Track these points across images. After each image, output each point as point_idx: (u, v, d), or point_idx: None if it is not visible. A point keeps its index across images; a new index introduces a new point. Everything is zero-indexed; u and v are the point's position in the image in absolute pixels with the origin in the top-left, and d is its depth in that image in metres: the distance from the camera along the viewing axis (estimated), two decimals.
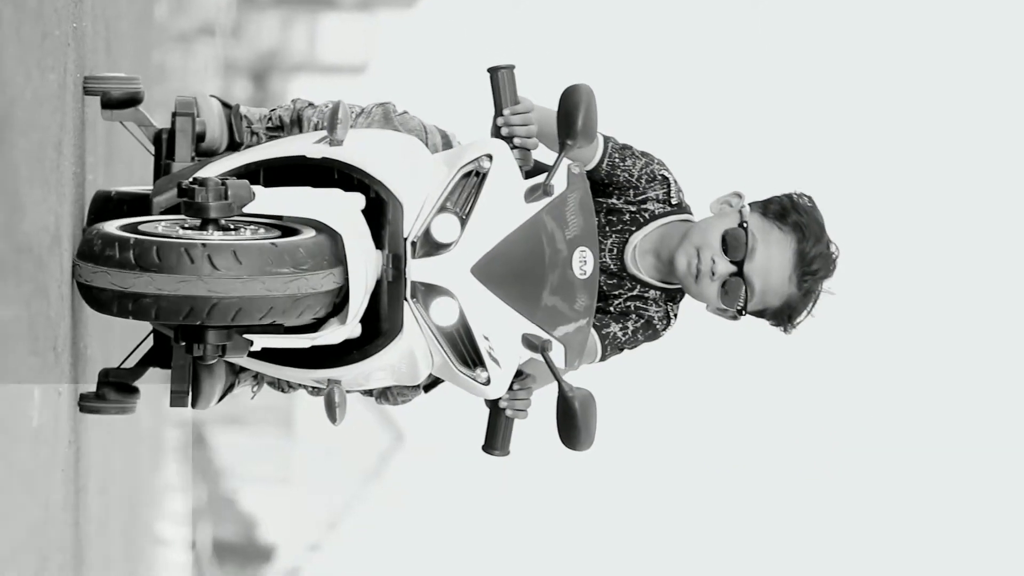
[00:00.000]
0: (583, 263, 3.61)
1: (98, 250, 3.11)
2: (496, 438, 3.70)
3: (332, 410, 3.57)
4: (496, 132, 3.69)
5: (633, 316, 4.03)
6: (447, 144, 4.00)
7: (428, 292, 3.49)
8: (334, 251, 3.30)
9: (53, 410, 3.36)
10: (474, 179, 3.54)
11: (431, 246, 3.50)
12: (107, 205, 3.97)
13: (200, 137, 3.84)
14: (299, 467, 37.39)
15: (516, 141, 3.66)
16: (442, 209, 3.51)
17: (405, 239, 3.48)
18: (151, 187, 3.85)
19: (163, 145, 3.80)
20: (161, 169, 3.75)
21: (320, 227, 3.32)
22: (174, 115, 3.79)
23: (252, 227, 3.31)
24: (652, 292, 4.04)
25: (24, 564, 2.72)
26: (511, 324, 3.56)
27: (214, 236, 3.20)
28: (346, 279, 3.31)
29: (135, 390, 3.59)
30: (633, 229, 4.02)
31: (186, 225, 3.27)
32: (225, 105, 3.98)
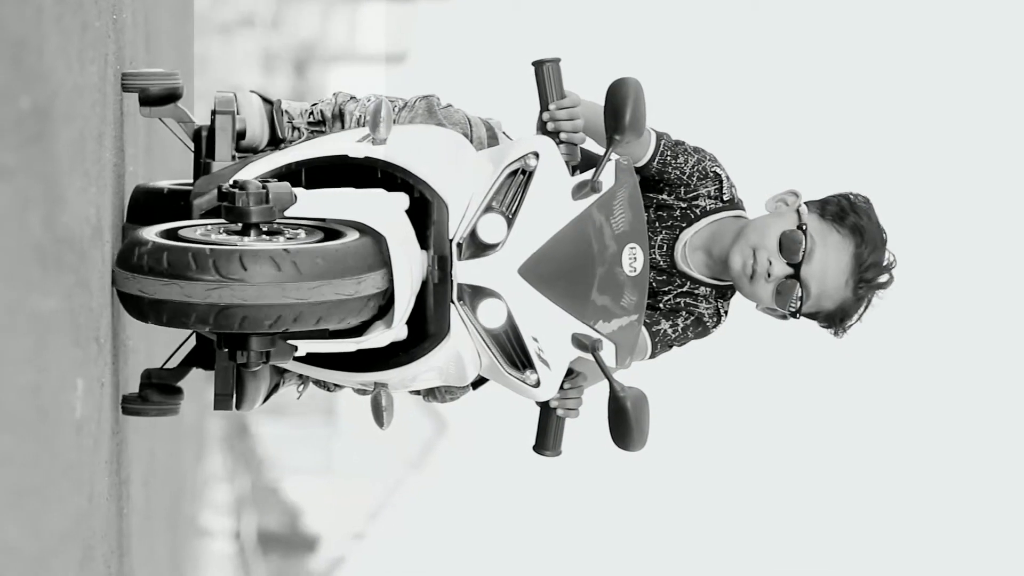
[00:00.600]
0: (633, 260, 3.54)
1: (135, 258, 3.09)
2: (547, 438, 3.67)
3: (379, 414, 3.55)
4: (542, 127, 3.63)
5: (683, 313, 3.97)
6: (492, 136, 3.94)
7: (475, 294, 3.42)
8: (378, 254, 3.23)
9: (96, 401, 3.37)
10: (520, 177, 3.47)
11: (477, 247, 3.43)
12: (147, 200, 3.96)
13: (240, 135, 3.80)
14: (342, 457, 37.46)
15: (562, 136, 3.59)
16: (488, 209, 3.43)
17: (451, 240, 3.41)
18: (190, 181, 3.82)
19: (203, 143, 3.76)
20: (201, 168, 3.71)
21: (363, 229, 3.26)
22: (214, 113, 3.74)
23: (294, 230, 3.26)
24: (702, 289, 3.98)
25: (70, 553, 2.74)
26: (560, 324, 3.49)
27: (253, 241, 3.15)
28: (390, 282, 3.24)
29: (179, 391, 3.56)
30: (684, 225, 3.95)
31: (226, 230, 3.23)
32: (266, 101, 3.93)
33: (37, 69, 2.53)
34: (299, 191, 3.23)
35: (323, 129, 3.91)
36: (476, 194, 3.44)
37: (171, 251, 3.06)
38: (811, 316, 3.94)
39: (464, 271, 3.40)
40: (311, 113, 3.93)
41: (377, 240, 3.22)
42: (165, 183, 4.05)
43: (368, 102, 3.88)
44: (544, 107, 3.62)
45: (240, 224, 3.17)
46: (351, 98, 3.96)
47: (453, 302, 3.41)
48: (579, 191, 3.48)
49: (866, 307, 3.94)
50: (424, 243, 3.40)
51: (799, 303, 3.84)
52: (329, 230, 3.28)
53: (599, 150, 3.69)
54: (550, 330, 3.47)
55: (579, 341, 3.49)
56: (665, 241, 3.95)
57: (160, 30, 7.20)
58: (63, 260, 2.82)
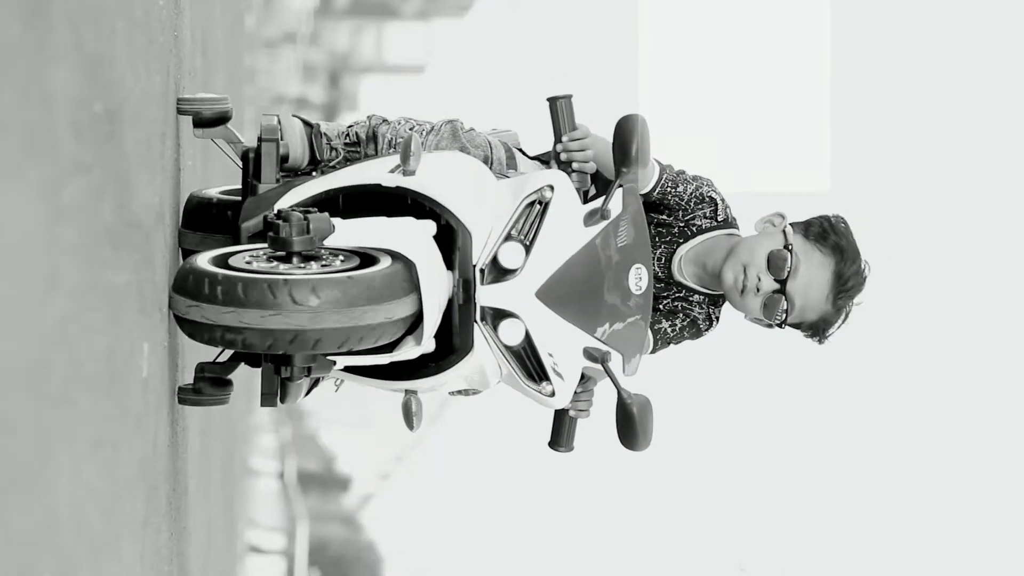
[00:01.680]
0: (639, 279, 3.46)
1: (190, 285, 3.04)
2: (561, 436, 3.60)
3: (409, 418, 3.51)
4: (556, 157, 3.54)
5: (680, 315, 3.90)
6: (511, 158, 3.82)
7: (496, 314, 3.35)
8: (409, 278, 3.15)
9: (160, 362, 3.38)
10: (537, 207, 3.38)
11: (498, 272, 3.34)
12: (199, 208, 3.90)
13: (284, 159, 3.72)
14: (372, 410, 37.44)
15: (575, 165, 3.52)
16: (508, 238, 3.35)
17: (474, 266, 3.33)
18: (237, 189, 3.80)
19: (250, 164, 3.66)
20: (248, 188, 3.63)
21: (395, 256, 3.17)
22: (259, 140, 3.65)
23: (332, 257, 3.19)
24: (696, 296, 3.90)
25: (136, 493, 2.76)
26: (573, 339, 3.41)
27: (296, 271, 3.08)
28: (420, 304, 3.16)
29: (229, 383, 3.49)
30: (680, 241, 3.87)
31: (269, 256, 3.17)
32: (306, 124, 3.83)
33: (110, 79, 2.54)
34: (337, 221, 3.16)
35: (358, 150, 3.82)
36: (497, 223, 3.37)
37: (227, 280, 3.01)
38: (795, 326, 3.87)
39: (486, 295, 3.33)
40: (347, 135, 3.84)
41: (408, 266, 3.15)
42: (214, 192, 4.00)
43: (399, 125, 3.81)
44: (558, 139, 3.55)
45: (283, 252, 3.12)
46: (383, 121, 3.85)
47: (476, 322, 3.34)
48: (590, 218, 3.40)
49: (845, 318, 3.86)
50: (450, 265, 3.32)
51: (784, 315, 3.78)
52: (365, 255, 3.21)
53: (606, 174, 3.63)
54: (564, 345, 3.40)
55: (590, 354, 3.42)
56: (663, 255, 3.87)
57: (214, 45, 7.20)
58: (131, 241, 2.83)
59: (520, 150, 3.91)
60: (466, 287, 3.32)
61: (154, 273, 3.23)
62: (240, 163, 3.69)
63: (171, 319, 3.37)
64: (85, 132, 2.28)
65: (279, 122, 3.71)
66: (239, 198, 3.73)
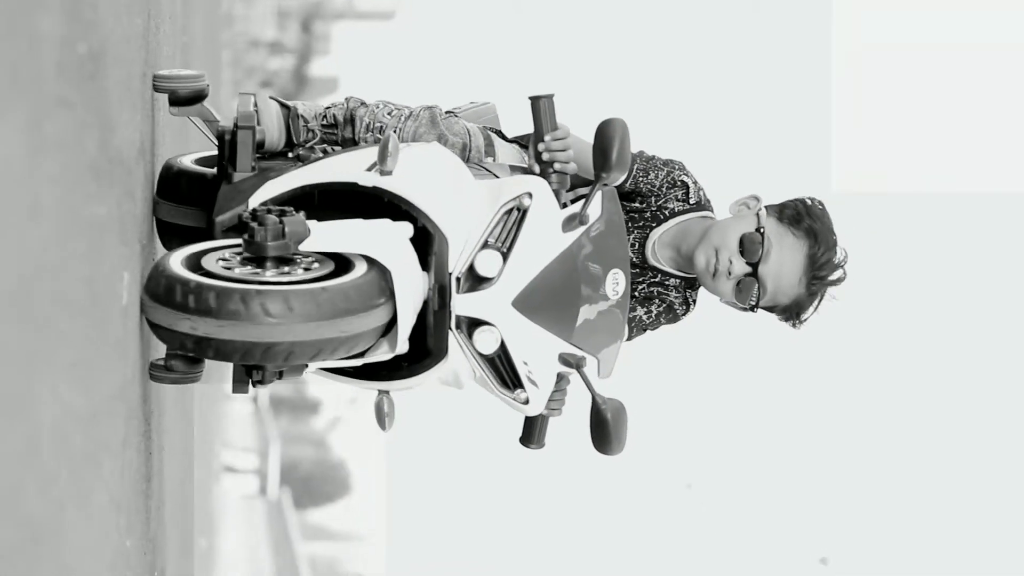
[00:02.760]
0: (615, 284, 3.28)
1: (162, 291, 2.82)
2: (533, 433, 3.39)
3: (381, 418, 3.33)
4: (537, 156, 3.32)
5: (656, 301, 3.71)
6: (489, 145, 3.60)
7: (472, 322, 3.15)
8: (383, 286, 2.95)
9: (139, 291, 3.37)
10: (516, 214, 3.18)
11: (475, 280, 3.14)
12: (175, 178, 3.74)
13: (260, 144, 3.51)
14: None
15: (556, 166, 3.30)
16: (485, 245, 3.15)
17: (450, 274, 3.13)
18: (214, 158, 3.65)
19: (226, 147, 3.46)
20: (223, 174, 3.43)
21: (371, 261, 2.98)
22: (235, 127, 3.41)
23: (308, 261, 2.97)
24: (672, 280, 3.71)
25: (116, 413, 2.76)
26: (549, 345, 3.22)
27: (269, 278, 2.87)
28: (395, 310, 2.98)
29: (200, 360, 3.23)
30: (653, 225, 3.68)
31: (244, 258, 2.95)
32: (283, 105, 3.62)
33: (93, 20, 2.52)
34: (312, 223, 2.95)
35: (335, 132, 3.60)
36: (474, 229, 3.17)
37: (199, 288, 2.80)
38: (769, 309, 3.68)
39: (462, 304, 3.14)
40: (324, 116, 3.62)
41: (383, 273, 2.96)
42: (189, 162, 3.82)
43: (377, 109, 3.59)
44: (539, 138, 3.33)
45: (258, 256, 2.93)
46: (361, 103, 3.62)
47: (451, 329, 3.14)
48: (568, 224, 3.21)
49: (819, 302, 3.67)
50: (426, 266, 3.13)
51: (757, 299, 3.59)
52: (340, 259, 3.01)
53: (585, 175, 3.50)
54: (540, 352, 3.21)
55: (565, 359, 3.24)
56: (637, 239, 3.69)
57: None
58: (114, 175, 2.82)
59: (499, 132, 3.75)
60: (441, 292, 3.14)
61: (135, 206, 3.22)
62: (216, 142, 3.54)
63: (149, 251, 3.35)
64: (69, 71, 2.27)
65: (255, 105, 3.53)
66: (214, 169, 3.61)
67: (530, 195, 3.18)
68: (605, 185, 3.23)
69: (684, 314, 3.75)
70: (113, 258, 2.85)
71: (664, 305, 3.70)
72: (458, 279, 3.12)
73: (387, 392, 3.30)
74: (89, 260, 2.49)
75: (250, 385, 3.12)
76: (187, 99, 3.53)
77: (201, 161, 3.82)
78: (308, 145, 3.57)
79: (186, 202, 3.66)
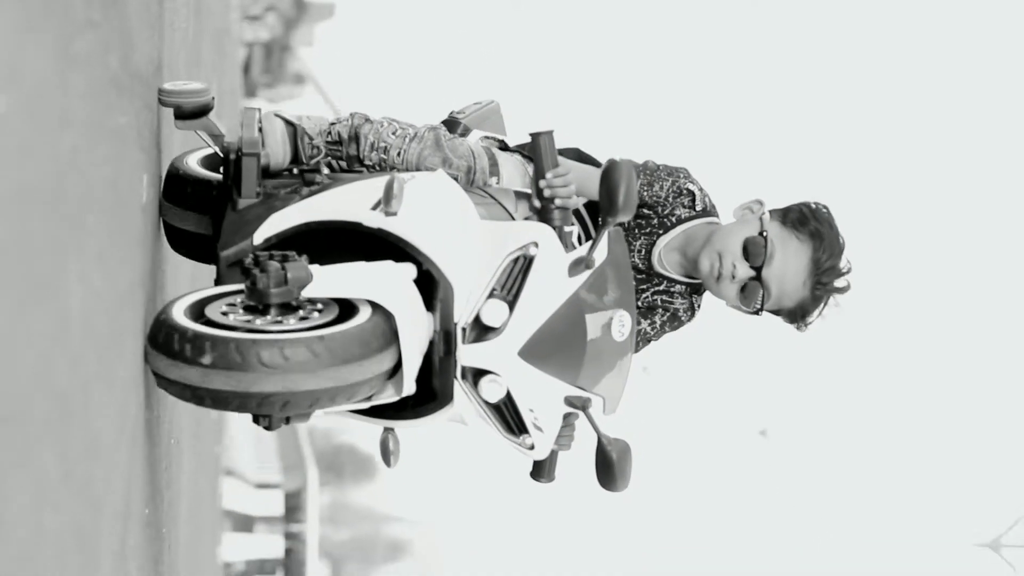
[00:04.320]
0: (621, 326, 3.02)
1: (161, 339, 2.57)
2: (543, 468, 3.11)
3: (387, 455, 3.07)
4: (539, 194, 3.04)
5: (660, 310, 3.45)
6: (493, 164, 3.28)
7: (477, 371, 2.88)
8: (387, 330, 2.69)
9: (156, 191, 3.40)
10: (522, 262, 2.90)
11: (481, 330, 2.87)
12: (180, 183, 3.49)
13: (265, 168, 3.22)
14: None
15: (558, 202, 3.03)
16: (491, 295, 2.87)
17: (456, 324, 2.86)
18: (217, 164, 3.43)
19: (230, 165, 3.21)
20: (228, 197, 3.18)
21: (375, 305, 2.71)
22: (239, 154, 3.16)
23: (312, 307, 2.72)
24: (678, 287, 3.45)
25: (137, 299, 2.78)
26: (555, 391, 2.95)
27: (270, 327, 2.62)
28: (399, 355, 2.72)
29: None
30: (660, 232, 3.42)
31: (245, 306, 2.69)
32: (288, 123, 3.31)
33: None
34: (314, 269, 2.69)
35: (340, 149, 3.29)
36: (479, 276, 2.90)
37: (197, 338, 2.55)
38: (774, 312, 3.42)
39: (468, 354, 2.86)
40: (329, 133, 3.31)
41: (387, 317, 2.70)
42: (195, 165, 3.57)
43: (381, 127, 3.29)
44: (541, 175, 3.05)
45: (260, 304, 2.67)
46: (366, 120, 3.31)
47: (456, 378, 2.87)
48: (575, 268, 2.94)
49: (824, 306, 3.39)
50: (430, 307, 2.85)
51: (761, 302, 3.35)
52: (345, 303, 2.75)
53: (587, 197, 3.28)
54: (545, 399, 2.95)
55: (571, 402, 2.97)
56: (644, 246, 3.43)
57: None
58: (134, 89, 2.83)
59: (502, 143, 3.47)
60: (447, 339, 2.86)
61: (152, 117, 3.23)
62: (221, 154, 3.31)
63: (164, 155, 3.36)
64: None
65: (260, 128, 3.25)
66: (219, 173, 3.40)
67: (536, 244, 2.91)
68: (607, 231, 2.97)
69: (689, 320, 3.50)
70: (133, 162, 2.88)
71: (668, 314, 3.47)
72: (463, 329, 2.86)
73: (392, 429, 3.05)
74: (112, 164, 2.52)
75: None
76: (192, 113, 3.27)
77: (206, 161, 3.60)
78: (314, 161, 3.30)
79: (192, 208, 3.46)
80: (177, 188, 3.47)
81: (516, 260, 2.89)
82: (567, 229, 3.03)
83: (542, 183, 3.03)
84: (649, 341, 3.46)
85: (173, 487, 4.26)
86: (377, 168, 3.23)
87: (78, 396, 2.06)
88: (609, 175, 2.88)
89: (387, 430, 3.03)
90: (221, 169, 3.33)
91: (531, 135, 3.13)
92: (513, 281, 2.88)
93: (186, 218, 3.45)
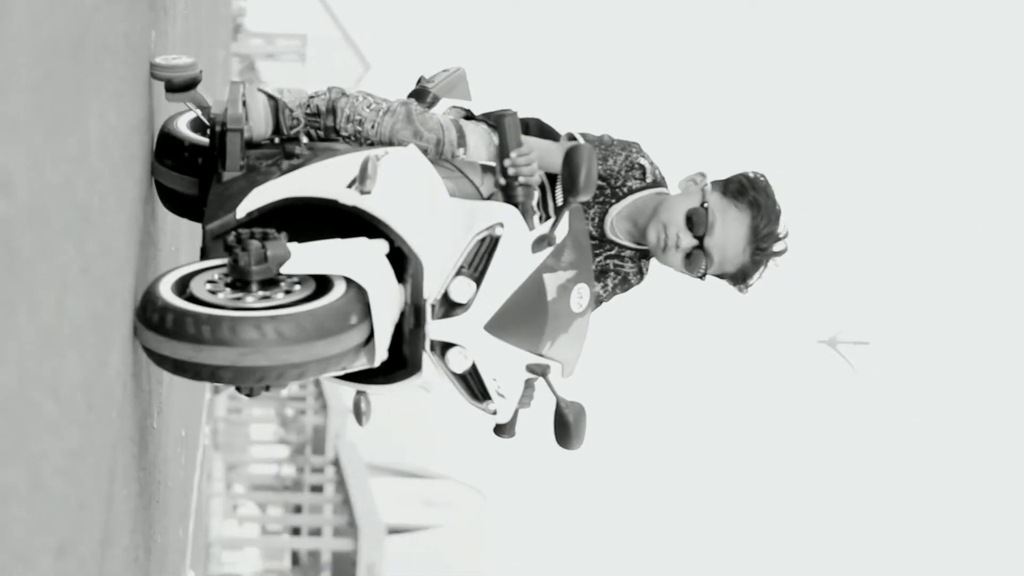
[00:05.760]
0: (580, 298, 2.97)
1: (150, 316, 2.49)
2: (505, 426, 3.06)
3: (359, 415, 3.04)
4: (503, 171, 3.02)
5: (611, 273, 3.39)
6: (461, 136, 3.19)
7: (445, 344, 2.83)
8: (361, 305, 2.63)
9: (160, 48, 3.47)
10: (488, 241, 2.86)
11: (449, 306, 2.81)
12: (171, 144, 3.39)
13: (248, 141, 3.14)
14: None
15: (521, 179, 3.00)
16: (459, 272, 2.82)
17: (425, 300, 2.80)
18: (205, 128, 3.33)
19: (216, 137, 3.11)
20: (213, 169, 3.09)
21: (349, 281, 2.65)
22: (224, 129, 3.08)
23: (290, 282, 2.64)
24: (627, 252, 3.39)
25: (145, 133, 2.92)
26: (517, 359, 2.91)
27: (249, 304, 2.55)
28: (372, 328, 2.66)
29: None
30: (613, 201, 3.34)
31: (227, 283, 2.61)
32: (270, 97, 3.20)
33: None
34: (293, 246, 2.62)
35: (319, 121, 3.19)
36: (449, 255, 2.84)
37: (183, 314, 2.48)
38: (718, 276, 3.35)
39: (436, 329, 2.81)
40: (308, 106, 3.20)
41: (361, 292, 2.64)
42: (185, 129, 3.45)
43: (357, 101, 3.19)
44: (505, 154, 3.03)
45: (242, 280, 2.60)
46: (343, 94, 3.21)
47: (425, 350, 2.82)
48: (538, 245, 2.90)
49: (764, 269, 3.32)
50: (402, 279, 2.80)
51: (705, 269, 3.28)
52: (320, 279, 2.67)
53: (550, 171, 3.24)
54: (508, 368, 2.91)
55: (532, 369, 2.93)
56: (597, 214, 3.35)
57: None
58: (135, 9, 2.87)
59: (468, 112, 3.42)
60: (416, 312, 2.81)
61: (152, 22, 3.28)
62: (208, 124, 3.22)
63: (169, 14, 3.41)
64: None
65: (244, 102, 3.16)
66: (207, 141, 3.29)
67: (502, 224, 2.88)
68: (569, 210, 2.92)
69: (637, 283, 3.45)
70: (144, 19, 3.02)
71: (619, 278, 3.42)
72: (433, 305, 2.82)
73: (364, 392, 3.01)
74: (127, 19, 2.64)
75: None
76: (182, 87, 3.18)
77: (195, 124, 3.48)
78: (294, 131, 3.21)
79: (182, 170, 3.37)
80: (168, 150, 3.40)
81: (483, 240, 2.86)
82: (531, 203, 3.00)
83: (507, 162, 3.02)
84: (601, 302, 3.40)
85: None
86: (353, 139, 3.18)
87: (95, 206, 2.17)
88: (572, 158, 2.85)
89: (359, 392, 3.00)
90: (207, 134, 3.27)
91: (495, 118, 3.11)
92: (480, 259, 2.85)
93: (176, 180, 3.38)
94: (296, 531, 31.41)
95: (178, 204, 3.47)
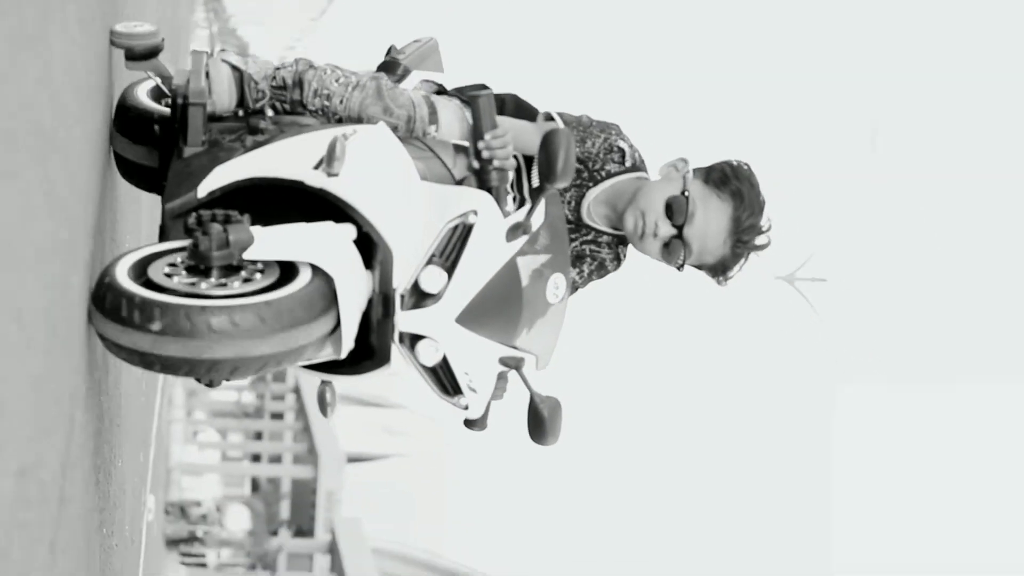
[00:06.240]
0: (556, 288, 2.85)
1: (107, 304, 2.36)
2: (477, 420, 2.90)
3: (324, 406, 2.92)
4: (477, 153, 2.86)
5: (588, 259, 3.25)
6: (432, 113, 3.03)
7: (415, 336, 2.70)
8: (328, 292, 2.51)
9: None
10: (461, 230, 2.72)
11: (419, 296, 2.69)
12: (131, 115, 3.26)
13: (211, 115, 2.98)
14: None
15: (495, 163, 2.84)
16: (430, 261, 2.69)
17: (394, 289, 2.67)
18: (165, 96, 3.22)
19: (177, 110, 2.97)
20: (174, 143, 2.96)
21: (315, 268, 2.52)
22: (186, 103, 2.92)
23: (253, 268, 2.51)
24: (605, 237, 3.24)
25: (113, 56, 2.88)
26: (490, 352, 2.78)
27: (214, 292, 2.42)
28: (339, 316, 2.54)
29: None
30: (591, 185, 3.18)
31: (188, 267, 2.47)
32: (234, 68, 3.03)
33: None
34: (256, 230, 2.48)
35: (285, 94, 3.02)
36: (420, 242, 2.71)
37: (143, 303, 2.34)
38: (697, 267, 3.19)
39: (406, 320, 2.68)
40: (274, 78, 3.04)
41: (327, 280, 2.52)
42: (146, 98, 3.31)
43: (325, 74, 3.04)
44: (479, 136, 2.87)
45: (203, 266, 2.46)
46: (310, 66, 3.04)
47: (394, 342, 2.69)
48: (512, 233, 2.77)
49: (744, 261, 3.17)
50: (370, 266, 2.67)
51: (683, 259, 3.12)
52: (285, 265, 2.54)
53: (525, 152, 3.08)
54: (481, 361, 2.77)
55: (505, 362, 2.80)
56: (574, 198, 3.20)
57: None
58: None
59: (439, 87, 3.28)
60: (385, 302, 2.68)
61: None
62: (169, 94, 3.10)
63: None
64: None
65: (207, 71, 3.01)
66: (168, 111, 3.17)
67: (475, 212, 2.74)
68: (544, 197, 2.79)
69: (615, 269, 3.31)
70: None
71: (596, 264, 3.27)
72: (402, 295, 2.69)
73: (329, 383, 2.89)
74: None
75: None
76: (142, 55, 3.03)
77: (155, 93, 3.35)
78: (259, 105, 3.04)
79: (141, 141, 3.25)
80: (127, 120, 3.27)
81: (456, 227, 2.73)
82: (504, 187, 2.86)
83: (481, 144, 2.87)
84: (576, 288, 3.25)
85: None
86: (320, 114, 3.03)
87: (60, 133, 2.16)
88: (549, 143, 2.70)
89: (324, 383, 2.88)
90: (168, 104, 3.15)
91: (469, 97, 2.97)
92: (452, 248, 2.72)
93: (135, 151, 3.26)
94: (256, 458, 31.62)
95: (136, 175, 3.36)
